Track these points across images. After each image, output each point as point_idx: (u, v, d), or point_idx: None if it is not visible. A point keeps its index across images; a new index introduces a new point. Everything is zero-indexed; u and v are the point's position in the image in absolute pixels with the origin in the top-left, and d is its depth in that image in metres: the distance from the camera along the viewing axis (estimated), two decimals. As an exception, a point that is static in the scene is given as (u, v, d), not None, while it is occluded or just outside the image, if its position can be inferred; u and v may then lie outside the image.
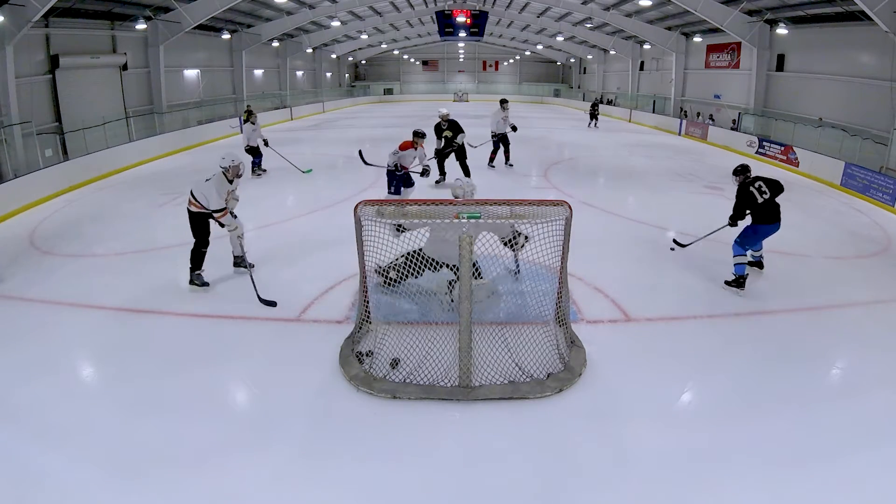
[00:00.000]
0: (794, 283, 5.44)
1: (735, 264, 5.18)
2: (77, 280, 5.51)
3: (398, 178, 7.49)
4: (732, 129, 16.87)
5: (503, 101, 10.77)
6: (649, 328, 4.53)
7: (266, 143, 10.40)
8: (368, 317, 4.17)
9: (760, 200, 5.11)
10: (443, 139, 9.30)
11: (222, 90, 21.04)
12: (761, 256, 5.64)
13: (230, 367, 3.90)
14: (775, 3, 14.77)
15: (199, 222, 5.12)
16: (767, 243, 5.56)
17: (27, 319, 4.65)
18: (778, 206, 5.17)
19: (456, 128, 9.25)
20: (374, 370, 3.70)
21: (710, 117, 19.21)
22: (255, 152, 10.24)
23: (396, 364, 3.75)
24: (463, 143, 9.28)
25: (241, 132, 17.44)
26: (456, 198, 4.77)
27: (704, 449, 3.08)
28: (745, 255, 5.21)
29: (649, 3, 17.79)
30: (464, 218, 3.47)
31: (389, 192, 7.58)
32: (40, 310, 4.83)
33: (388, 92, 39.79)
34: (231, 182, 5.11)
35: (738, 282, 5.14)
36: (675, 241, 6.35)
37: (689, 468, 2.93)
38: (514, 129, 10.75)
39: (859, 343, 4.41)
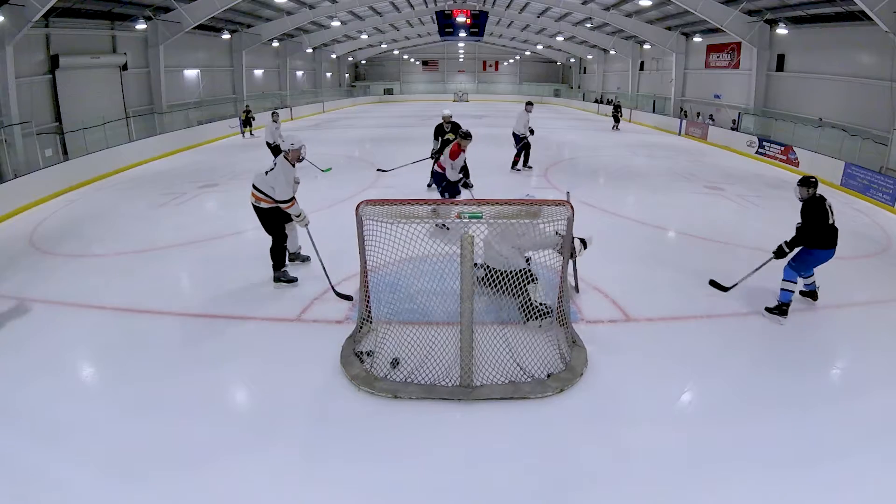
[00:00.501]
0: (794, 283, 5.43)
1: (782, 289, 4.65)
2: (77, 280, 5.50)
3: (455, 183, 7.22)
4: (732, 129, 16.89)
5: (529, 104, 10.74)
6: (649, 328, 4.53)
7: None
8: (369, 316, 4.17)
9: (831, 220, 4.50)
10: (440, 140, 9.28)
11: (222, 90, 21.07)
12: (815, 284, 4.91)
13: (230, 367, 3.89)
14: (775, 3, 14.78)
15: (272, 217, 4.97)
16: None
17: (27, 320, 4.65)
18: (838, 230, 4.57)
19: (458, 130, 9.24)
20: (375, 370, 3.70)
21: (710, 117, 19.22)
22: (276, 150, 10.42)
23: (397, 364, 3.75)
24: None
25: (241, 132, 17.67)
26: None
27: (704, 449, 3.08)
28: (797, 283, 4.68)
29: (649, 3, 17.82)
30: (465, 218, 3.47)
31: (443, 196, 7.33)
32: (40, 310, 4.82)
33: (388, 92, 39.81)
34: (294, 166, 5.04)
35: (782, 309, 4.63)
36: (713, 282, 5.23)
37: (689, 468, 2.93)
38: (532, 132, 10.77)
39: (859, 343, 4.41)
